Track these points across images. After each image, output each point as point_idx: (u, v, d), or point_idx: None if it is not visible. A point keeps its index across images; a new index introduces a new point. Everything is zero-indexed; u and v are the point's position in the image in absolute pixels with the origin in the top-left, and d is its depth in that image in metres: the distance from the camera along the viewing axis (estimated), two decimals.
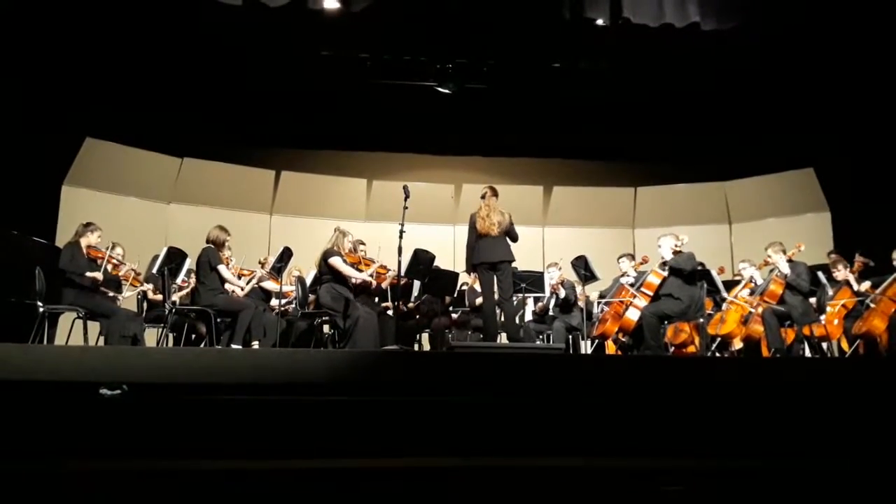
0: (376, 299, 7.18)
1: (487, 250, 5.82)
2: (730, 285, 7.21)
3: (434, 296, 7.36)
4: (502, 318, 6.13)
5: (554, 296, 7.42)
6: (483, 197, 5.97)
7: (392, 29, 8.38)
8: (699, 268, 6.23)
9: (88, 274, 5.76)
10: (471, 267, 6.02)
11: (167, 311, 6.16)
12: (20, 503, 2.86)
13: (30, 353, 3.91)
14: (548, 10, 7.64)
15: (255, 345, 5.99)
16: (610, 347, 7.29)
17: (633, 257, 7.31)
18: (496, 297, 5.91)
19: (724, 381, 4.06)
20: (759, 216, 9.63)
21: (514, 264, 6.01)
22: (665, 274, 6.23)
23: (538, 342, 7.24)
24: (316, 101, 9.40)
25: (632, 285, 6.73)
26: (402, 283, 6.52)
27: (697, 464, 3.26)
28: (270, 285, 7.02)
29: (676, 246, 6.17)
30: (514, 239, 5.97)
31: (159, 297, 6.60)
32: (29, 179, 7.54)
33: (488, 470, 3.14)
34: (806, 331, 6.46)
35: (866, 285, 6.55)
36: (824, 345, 6.71)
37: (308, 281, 6.91)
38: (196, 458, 3.12)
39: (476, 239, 5.88)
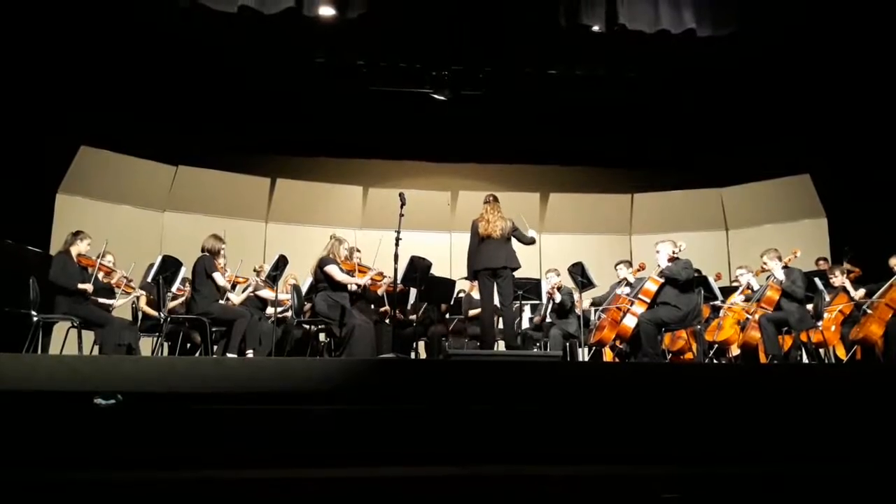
0: (372, 306, 7.15)
1: (490, 256, 5.77)
2: (727, 292, 7.21)
3: (430, 303, 7.34)
4: (500, 325, 6.10)
5: (550, 300, 7.40)
6: (486, 202, 5.96)
7: (388, 36, 8.37)
8: (695, 275, 6.22)
9: (80, 286, 5.71)
10: (472, 274, 5.97)
11: (162, 320, 6.13)
12: None
13: (24, 363, 3.90)
14: (544, 16, 7.64)
15: (251, 353, 5.97)
16: (607, 355, 7.27)
17: (630, 264, 7.30)
18: (496, 303, 5.88)
19: (722, 387, 4.06)
20: (755, 222, 9.63)
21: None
22: (662, 281, 6.22)
23: (535, 349, 7.22)
24: (311, 108, 9.39)
25: (629, 294, 6.71)
26: (398, 290, 6.50)
27: (695, 471, 3.25)
28: (266, 293, 6.99)
29: (674, 252, 6.16)
30: (529, 241, 5.94)
31: (153, 311, 6.56)
32: (23, 187, 7.52)
33: (485, 478, 3.12)
34: (803, 337, 6.45)
35: (860, 293, 6.55)
36: (821, 351, 6.70)
37: (304, 289, 6.89)
38: (191, 467, 3.10)
39: (478, 243, 5.84)
